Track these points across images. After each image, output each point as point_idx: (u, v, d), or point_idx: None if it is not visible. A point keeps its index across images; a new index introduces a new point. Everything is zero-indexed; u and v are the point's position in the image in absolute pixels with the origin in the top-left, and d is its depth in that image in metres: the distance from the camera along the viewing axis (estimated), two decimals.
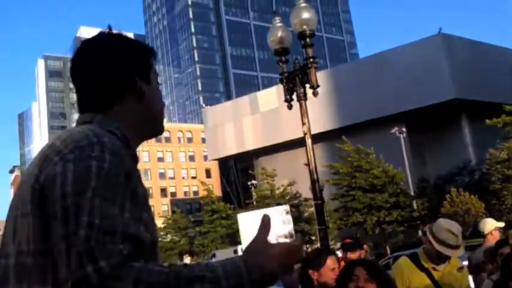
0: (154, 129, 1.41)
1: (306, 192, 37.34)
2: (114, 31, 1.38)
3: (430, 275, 3.37)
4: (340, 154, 33.81)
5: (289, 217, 10.05)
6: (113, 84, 1.29)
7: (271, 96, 49.30)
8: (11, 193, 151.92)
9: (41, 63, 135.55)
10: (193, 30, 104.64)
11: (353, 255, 4.79)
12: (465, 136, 42.33)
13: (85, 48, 1.34)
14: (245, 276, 1.05)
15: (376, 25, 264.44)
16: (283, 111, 45.94)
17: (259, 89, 76.26)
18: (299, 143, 45.48)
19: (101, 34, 1.37)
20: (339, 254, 4.73)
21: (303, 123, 6.78)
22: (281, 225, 9.65)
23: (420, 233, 31.16)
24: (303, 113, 6.80)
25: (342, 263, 3.47)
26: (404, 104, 40.31)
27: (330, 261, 3.04)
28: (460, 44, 42.54)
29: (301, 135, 6.81)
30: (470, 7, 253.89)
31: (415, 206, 32.27)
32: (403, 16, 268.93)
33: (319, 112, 37.35)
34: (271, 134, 49.02)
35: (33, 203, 1.12)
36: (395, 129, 36.53)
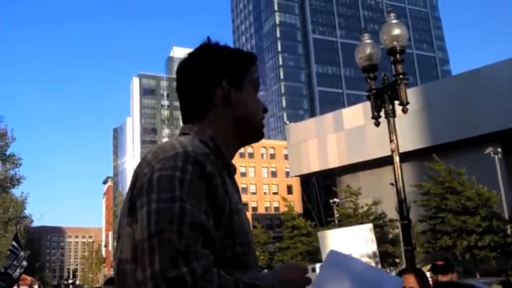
0: (249, 135, 1.42)
1: (391, 212, 36.22)
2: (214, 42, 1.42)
3: None
4: (430, 174, 32.41)
5: (372, 236, 9.73)
6: (200, 91, 1.34)
7: (357, 113, 48.49)
8: (103, 203, 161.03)
9: (136, 81, 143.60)
10: (279, 49, 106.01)
11: (444, 279, 4.57)
12: None
13: (184, 61, 1.41)
14: None
15: (469, 42, 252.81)
16: (368, 129, 45.31)
17: (344, 106, 75.40)
18: (385, 161, 44.25)
19: (199, 47, 1.41)
20: (428, 275, 4.54)
21: (391, 141, 6.64)
22: (364, 244, 9.36)
23: None
24: (391, 130, 6.66)
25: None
26: (500, 122, 38.00)
27: (403, 279, 2.99)
28: None
29: (387, 153, 6.67)
30: None
31: (509, 231, 30.11)
32: (497, 31, 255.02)
33: (408, 130, 36.22)
34: (355, 152, 48.14)
35: (129, 214, 1.20)
36: (489, 150, 34.47)
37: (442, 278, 4.57)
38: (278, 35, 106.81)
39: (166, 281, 1.00)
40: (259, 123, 1.42)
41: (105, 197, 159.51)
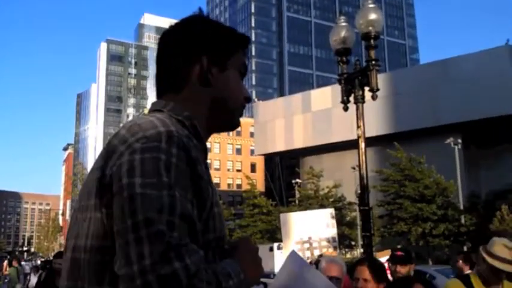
0: (224, 121, 1.30)
1: (350, 195, 36.85)
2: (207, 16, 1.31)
3: None
4: (391, 160, 32.99)
5: (333, 221, 9.84)
6: (176, 63, 1.23)
7: (325, 95, 48.73)
8: (62, 170, 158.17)
9: (103, 46, 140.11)
10: (253, 24, 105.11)
11: (403, 270, 4.56)
12: None
13: (168, 29, 1.29)
14: (243, 278, 1.09)
15: (440, 32, 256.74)
16: (335, 112, 45.62)
17: (313, 88, 75.67)
18: (348, 145, 44.96)
19: (188, 17, 1.29)
20: (386, 265, 4.50)
21: (358, 126, 6.64)
22: (325, 228, 9.46)
23: (465, 248, 30.09)
24: (359, 116, 6.65)
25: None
26: (463, 114, 38.90)
27: (358, 270, 3.09)
28: None
29: (351, 137, 6.67)
30: None
31: (463, 221, 31.09)
32: (468, 25, 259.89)
33: (373, 116, 36.57)
34: (320, 134, 48.54)
35: (98, 196, 1.06)
36: (450, 140, 35.27)
37: (401, 269, 4.55)
38: (253, 10, 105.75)
39: (159, 278, 0.90)
40: (238, 110, 1.30)
41: (64, 164, 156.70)
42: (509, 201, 29.73)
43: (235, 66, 1.28)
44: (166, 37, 1.27)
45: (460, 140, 36.13)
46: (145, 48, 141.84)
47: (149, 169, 1.00)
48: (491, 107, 37.51)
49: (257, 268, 1.19)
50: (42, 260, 39.02)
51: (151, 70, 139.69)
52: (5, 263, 19.37)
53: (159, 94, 1.26)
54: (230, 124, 1.31)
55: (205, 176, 1.10)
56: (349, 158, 42.49)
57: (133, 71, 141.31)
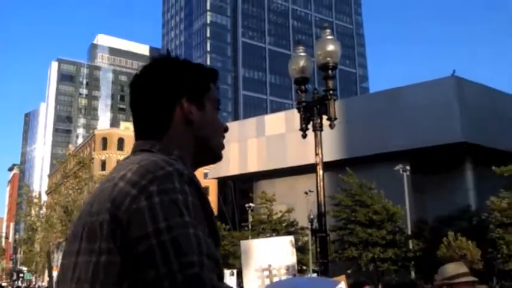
0: (208, 156, 1.32)
1: (302, 220, 37.14)
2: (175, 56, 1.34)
3: None
4: (343, 186, 33.59)
5: (293, 249, 9.77)
6: (159, 107, 1.24)
7: (279, 120, 49.35)
8: (7, 191, 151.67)
9: (54, 65, 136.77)
10: (208, 48, 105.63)
11: None
12: (468, 180, 42.08)
13: (141, 73, 1.30)
14: None
15: (388, 62, 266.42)
16: (288, 137, 46.08)
17: (267, 113, 76.43)
18: (301, 170, 45.34)
19: (157, 60, 1.31)
20: None
21: (316, 154, 6.76)
22: (285, 256, 9.39)
23: (413, 274, 30.77)
24: (317, 143, 6.78)
25: None
26: (411, 142, 40.24)
27: None
28: (472, 89, 42.64)
29: (305, 162, 6.86)
30: (484, 52, 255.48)
31: (410, 246, 31.87)
32: (416, 55, 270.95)
33: (325, 142, 36.96)
34: (274, 159, 48.92)
35: (110, 241, 1.03)
36: (399, 167, 36.35)
37: None
38: (208, 34, 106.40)
39: None
40: (219, 143, 1.33)
41: (9, 185, 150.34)
42: (455, 228, 30.69)
43: (210, 101, 1.31)
44: (140, 82, 1.28)
45: (408, 167, 37.27)
46: (98, 68, 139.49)
47: (171, 212, 1.00)
48: (438, 135, 39.03)
49: None
50: None
51: (103, 90, 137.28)
52: None
53: (140, 136, 1.27)
54: (214, 157, 1.33)
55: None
56: (302, 183, 42.97)
57: (84, 91, 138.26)
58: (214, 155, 1.33)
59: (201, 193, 1.09)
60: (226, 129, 1.36)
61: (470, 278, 3.49)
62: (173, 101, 1.24)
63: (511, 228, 28.85)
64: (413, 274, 31.09)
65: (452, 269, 3.53)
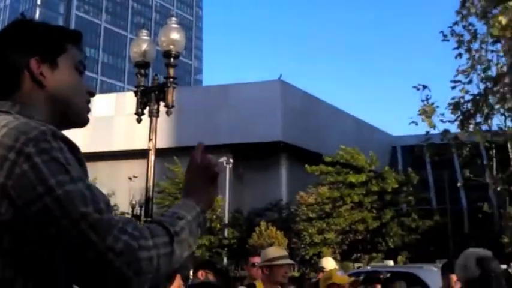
0: (70, 121, 1.28)
1: (123, 206, 36.59)
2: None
3: None
4: (169, 174, 34.00)
5: None
6: (6, 67, 1.21)
7: (108, 102, 47.71)
8: None
9: None
10: (37, 16, 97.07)
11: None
12: (282, 176, 45.67)
13: None
14: (199, 211, 1.22)
15: (223, 58, 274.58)
16: (117, 121, 44.82)
17: (96, 93, 73.13)
18: (125, 155, 44.50)
19: (11, 23, 1.27)
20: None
21: (150, 139, 6.81)
22: None
23: (225, 260, 32.59)
24: (152, 129, 6.86)
25: None
26: (236, 137, 42.31)
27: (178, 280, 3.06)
28: (295, 93, 46.40)
29: (131, 147, 6.87)
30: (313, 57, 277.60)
31: (226, 234, 33.68)
32: (249, 55, 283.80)
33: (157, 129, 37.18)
34: (99, 141, 47.15)
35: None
36: (223, 159, 38.01)
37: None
38: (39, 1, 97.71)
39: (117, 254, 0.98)
40: (81, 106, 1.29)
41: None
42: (267, 218, 33.34)
43: (68, 62, 1.27)
44: None
45: (231, 160, 39.19)
46: None
47: (56, 169, 1.01)
48: (260, 133, 41.76)
49: (204, 191, 1.29)
50: None
51: None
52: None
53: None
54: (77, 121, 1.30)
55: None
56: (125, 168, 42.30)
57: None
58: (77, 119, 1.29)
59: (76, 149, 1.10)
60: (91, 93, 1.32)
61: (288, 261, 3.83)
62: (21, 60, 1.21)
63: (314, 221, 32.37)
64: (225, 260, 32.89)
65: (272, 252, 3.86)
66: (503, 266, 12.16)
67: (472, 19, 11.14)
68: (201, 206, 1.22)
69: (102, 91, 79.91)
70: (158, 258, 1.03)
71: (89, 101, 1.32)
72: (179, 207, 1.18)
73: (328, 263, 6.48)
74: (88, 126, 1.41)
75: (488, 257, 2.66)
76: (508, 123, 10.97)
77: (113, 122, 45.76)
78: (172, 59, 6.96)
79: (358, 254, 31.97)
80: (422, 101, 11.32)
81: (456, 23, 11.02)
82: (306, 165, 34.47)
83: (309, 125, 44.90)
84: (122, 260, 0.98)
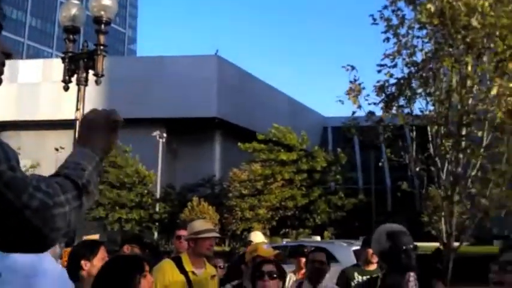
0: None
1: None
2: None
3: (188, 278, 3.63)
4: None
5: None
6: None
7: (35, 69, 45.40)
8: None
9: None
10: None
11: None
12: (216, 152, 45.78)
13: None
14: (98, 160, 1.22)
15: (159, 28, 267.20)
16: (44, 88, 42.87)
17: (22, 58, 69.36)
18: (52, 125, 42.80)
19: None
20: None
21: (78, 109, 6.65)
22: None
23: (156, 234, 32.44)
24: (80, 98, 6.69)
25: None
26: (170, 110, 41.72)
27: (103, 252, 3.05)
28: (231, 70, 46.23)
29: (58, 117, 6.66)
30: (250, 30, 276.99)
31: (157, 209, 33.46)
32: (185, 27, 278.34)
33: (86, 98, 35.90)
34: (24, 109, 44.92)
35: None
36: (156, 133, 37.44)
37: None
38: None
39: (33, 211, 0.99)
40: None
41: None
42: (199, 194, 33.41)
43: None
44: None
45: (165, 134, 38.71)
46: None
47: None
48: (195, 108, 41.38)
49: (103, 139, 1.27)
50: None
51: None
52: None
53: None
54: None
55: None
56: (52, 138, 40.69)
57: None
58: None
59: None
60: (7, 55, 1.20)
61: (214, 234, 3.84)
62: None
63: (246, 197, 32.80)
64: (156, 235, 32.73)
65: (198, 225, 3.85)
66: (436, 244, 12.92)
67: (401, 4, 11.49)
68: (100, 154, 1.23)
69: (29, 56, 75.89)
70: (70, 213, 1.05)
71: (3, 63, 1.16)
72: (80, 158, 1.18)
73: (257, 237, 6.63)
74: (12, 93, 1.30)
75: (399, 232, 2.82)
76: (429, 106, 11.56)
77: (39, 89, 43.70)
78: (103, 26, 6.70)
79: (287, 230, 32.87)
80: (351, 82, 11.61)
81: (386, 7, 11.33)
82: (239, 143, 34.71)
83: (244, 102, 45.05)
84: (38, 217, 0.99)
